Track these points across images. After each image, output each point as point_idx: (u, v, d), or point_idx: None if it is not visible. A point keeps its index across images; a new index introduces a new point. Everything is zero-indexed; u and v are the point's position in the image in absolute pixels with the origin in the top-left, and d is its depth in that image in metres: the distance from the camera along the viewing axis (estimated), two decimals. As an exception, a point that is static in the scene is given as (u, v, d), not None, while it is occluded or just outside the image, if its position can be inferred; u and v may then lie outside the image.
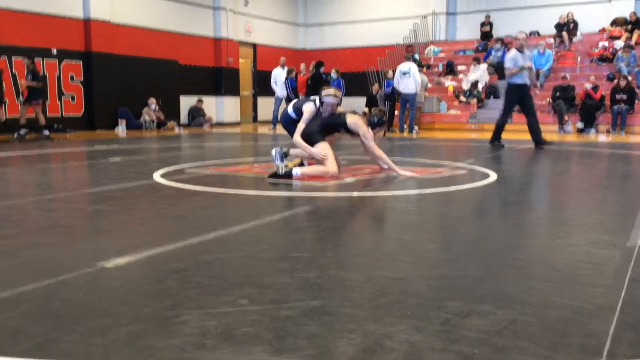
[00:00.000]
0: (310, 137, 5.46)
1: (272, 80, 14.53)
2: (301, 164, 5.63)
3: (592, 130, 12.82)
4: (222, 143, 10.64)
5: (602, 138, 11.70)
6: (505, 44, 16.18)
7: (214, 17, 17.38)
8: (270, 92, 15.29)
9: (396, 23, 18.84)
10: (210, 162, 6.76)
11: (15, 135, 10.81)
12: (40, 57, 12.78)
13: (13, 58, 12.17)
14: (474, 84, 15.13)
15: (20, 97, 11.70)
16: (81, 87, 13.79)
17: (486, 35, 17.52)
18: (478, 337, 1.76)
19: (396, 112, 13.94)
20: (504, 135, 9.27)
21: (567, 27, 16.04)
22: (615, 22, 15.69)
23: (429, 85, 15.09)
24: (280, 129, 13.99)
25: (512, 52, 8.85)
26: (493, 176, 5.48)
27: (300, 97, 5.55)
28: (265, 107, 18.20)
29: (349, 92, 14.78)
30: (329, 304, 2.05)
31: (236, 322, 1.87)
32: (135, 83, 14.57)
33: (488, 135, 9.55)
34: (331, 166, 5.29)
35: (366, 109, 15.18)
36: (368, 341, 1.73)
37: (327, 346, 1.70)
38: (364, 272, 2.45)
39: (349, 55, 19.90)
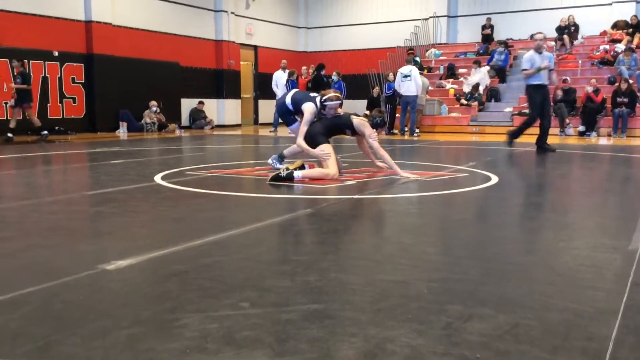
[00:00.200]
0: (313, 139, 5.47)
1: (274, 83, 14.54)
2: (302, 167, 5.63)
3: (594, 134, 12.82)
4: (223, 145, 10.65)
5: (603, 141, 11.69)
6: (508, 46, 16.22)
7: (215, 20, 17.40)
8: (271, 95, 15.30)
9: (397, 26, 18.86)
10: (211, 165, 6.76)
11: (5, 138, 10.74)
12: (42, 59, 12.80)
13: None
14: (475, 87, 15.14)
15: (11, 101, 11.55)
16: (82, 89, 13.80)
17: (487, 38, 17.53)
18: (479, 341, 1.75)
19: (397, 115, 13.95)
20: (521, 139, 9.23)
21: (568, 30, 16.05)
22: (616, 25, 15.70)
23: (430, 87, 15.09)
24: (281, 132, 14.01)
25: (529, 53, 8.75)
26: (494, 179, 5.48)
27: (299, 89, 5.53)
28: (266, 109, 18.21)
29: (350, 94, 14.79)
30: (330, 307, 2.04)
31: (237, 325, 1.86)
32: (136, 85, 14.59)
33: (489, 138, 9.55)
34: (332, 168, 5.29)
35: (367, 112, 15.22)
36: (369, 345, 1.73)
37: (328, 350, 1.70)
38: (365, 275, 2.45)
39: (350, 57, 19.91)
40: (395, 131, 13.88)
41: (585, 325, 1.89)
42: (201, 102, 16.56)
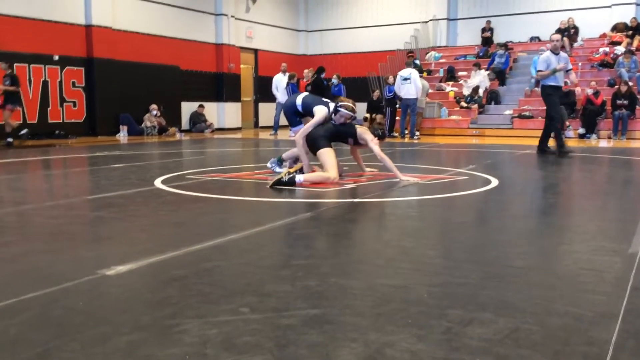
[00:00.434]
0: (315, 141, 5.47)
1: (274, 86, 14.55)
2: (302, 170, 5.63)
3: (593, 136, 12.82)
4: (224, 149, 10.65)
5: (604, 144, 11.69)
6: (508, 49, 16.23)
7: (216, 23, 17.43)
8: (271, 98, 15.31)
9: (397, 29, 18.88)
10: (212, 168, 6.76)
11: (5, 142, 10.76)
12: (42, 63, 12.81)
13: (15, 65, 12.17)
14: (475, 90, 15.14)
15: None
16: (83, 93, 13.82)
17: (487, 41, 17.55)
18: (480, 345, 1.75)
19: (397, 118, 13.95)
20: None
21: (567, 33, 16.05)
22: (615, 28, 15.71)
23: (430, 90, 15.10)
24: (281, 135, 14.02)
25: (546, 54, 8.60)
26: (494, 182, 5.48)
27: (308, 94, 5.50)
28: (267, 112, 18.21)
29: (350, 97, 14.71)
30: (330, 312, 2.04)
31: (237, 330, 1.86)
32: (136, 89, 14.60)
33: (489, 141, 9.54)
34: (333, 172, 5.30)
35: (367, 115, 15.22)
36: (369, 350, 1.72)
37: (328, 355, 1.69)
38: (365, 279, 2.45)
39: (350, 60, 19.93)
40: (396, 134, 13.88)
41: (586, 329, 1.89)
42: (201, 106, 16.58)
